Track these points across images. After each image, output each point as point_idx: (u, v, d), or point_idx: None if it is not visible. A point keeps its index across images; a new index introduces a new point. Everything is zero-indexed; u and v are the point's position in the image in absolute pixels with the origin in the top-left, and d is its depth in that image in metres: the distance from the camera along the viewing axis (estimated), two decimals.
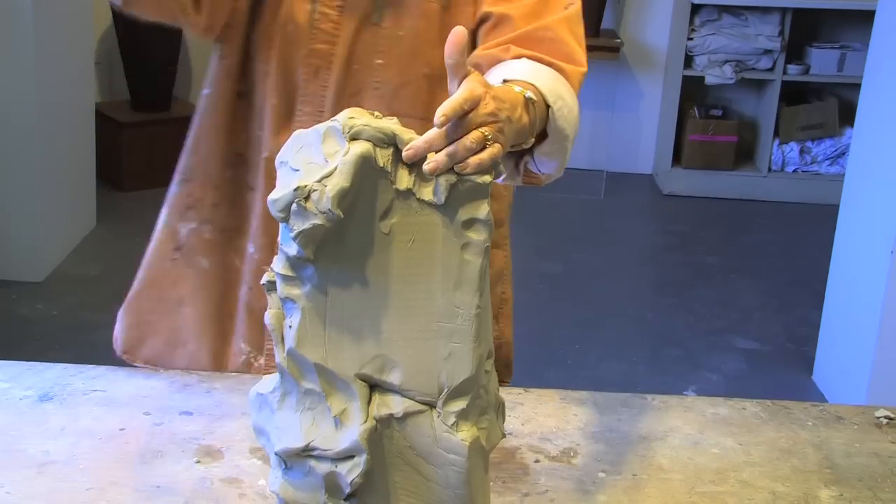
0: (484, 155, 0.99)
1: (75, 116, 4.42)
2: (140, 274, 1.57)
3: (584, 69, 1.38)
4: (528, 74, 1.27)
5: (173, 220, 1.53)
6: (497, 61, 1.33)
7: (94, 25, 4.72)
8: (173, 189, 1.53)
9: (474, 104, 1.01)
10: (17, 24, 3.87)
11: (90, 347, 3.55)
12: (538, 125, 1.23)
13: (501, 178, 1.34)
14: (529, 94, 1.19)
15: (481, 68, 1.34)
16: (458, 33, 1.01)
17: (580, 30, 1.41)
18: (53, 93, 4.12)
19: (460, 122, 1.00)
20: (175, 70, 5.16)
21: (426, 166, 0.97)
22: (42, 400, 1.45)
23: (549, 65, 1.33)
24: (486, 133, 1.00)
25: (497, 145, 1.01)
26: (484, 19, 1.41)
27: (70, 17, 4.28)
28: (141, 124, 5.09)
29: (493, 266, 1.51)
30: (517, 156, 1.31)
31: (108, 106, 5.23)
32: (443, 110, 0.98)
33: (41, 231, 4.12)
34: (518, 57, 1.33)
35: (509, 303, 1.57)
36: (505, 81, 1.23)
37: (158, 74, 5.10)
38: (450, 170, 0.98)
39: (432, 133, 0.99)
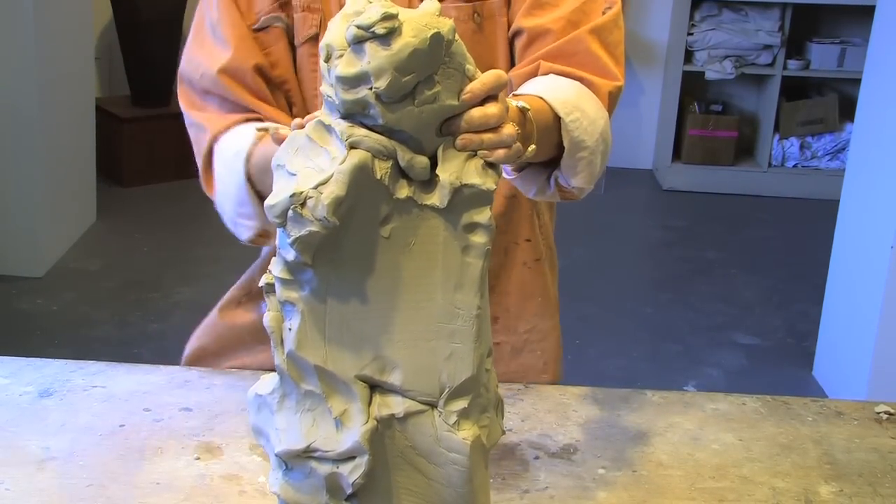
0: (511, 152, 0.99)
1: (75, 112, 4.42)
2: (214, 311, 1.59)
3: (618, 83, 1.35)
4: (541, 88, 1.27)
5: (256, 274, 1.55)
6: (528, 79, 1.32)
7: (94, 21, 4.71)
8: (263, 254, 1.55)
9: (500, 87, 0.99)
10: (17, 20, 3.87)
11: (90, 343, 3.56)
12: (540, 136, 1.21)
13: (533, 193, 1.34)
14: (521, 103, 1.18)
15: (513, 88, 1.34)
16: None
17: (615, 36, 1.38)
18: (54, 88, 4.11)
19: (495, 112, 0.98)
20: (175, 65, 5.15)
21: (459, 141, 0.97)
22: (42, 396, 1.46)
23: (580, 79, 1.32)
24: (517, 129, 1.00)
25: (519, 145, 1.01)
26: (517, 34, 1.38)
27: (70, 12, 4.27)
28: (141, 119, 5.08)
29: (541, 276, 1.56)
30: (548, 170, 1.30)
31: (108, 101, 5.23)
32: (470, 87, 0.96)
33: (41, 226, 4.12)
34: (547, 73, 1.32)
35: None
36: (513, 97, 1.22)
37: (158, 69, 5.10)
38: (459, 170, 0.98)
39: (491, 111, 0.97)
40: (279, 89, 1.41)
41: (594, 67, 1.34)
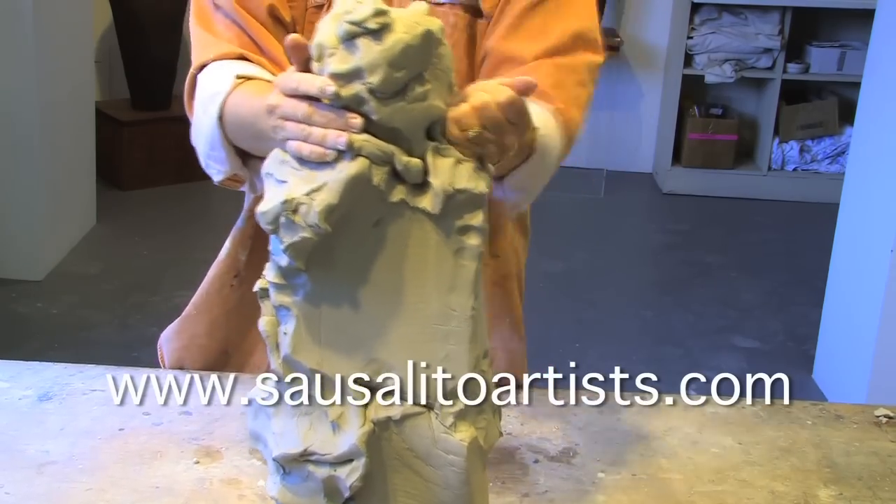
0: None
1: (75, 115, 4.41)
2: (194, 300, 1.57)
3: (569, 119, 1.33)
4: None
5: (236, 251, 1.54)
6: None
7: (94, 24, 4.72)
8: (239, 224, 1.54)
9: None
10: (17, 24, 3.87)
11: (90, 346, 3.56)
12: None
13: None
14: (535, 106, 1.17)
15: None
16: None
17: (569, 79, 1.36)
18: (54, 91, 4.11)
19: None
20: (175, 68, 5.16)
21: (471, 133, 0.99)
22: (41, 400, 1.45)
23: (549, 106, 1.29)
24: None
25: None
26: (486, 56, 1.37)
27: (70, 15, 4.27)
28: (141, 123, 5.08)
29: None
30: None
31: (108, 105, 5.23)
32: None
33: (41, 230, 4.12)
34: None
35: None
36: None
37: (158, 73, 5.10)
38: (451, 175, 0.98)
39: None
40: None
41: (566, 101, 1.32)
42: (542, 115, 1.26)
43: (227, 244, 1.55)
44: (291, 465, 1.04)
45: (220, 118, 1.25)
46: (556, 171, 1.32)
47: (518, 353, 1.55)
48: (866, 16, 3.94)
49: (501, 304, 1.52)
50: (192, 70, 1.35)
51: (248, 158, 1.30)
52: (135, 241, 4.55)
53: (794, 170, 5.54)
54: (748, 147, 5.65)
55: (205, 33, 1.37)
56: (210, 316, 1.55)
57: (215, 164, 1.31)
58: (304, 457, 1.02)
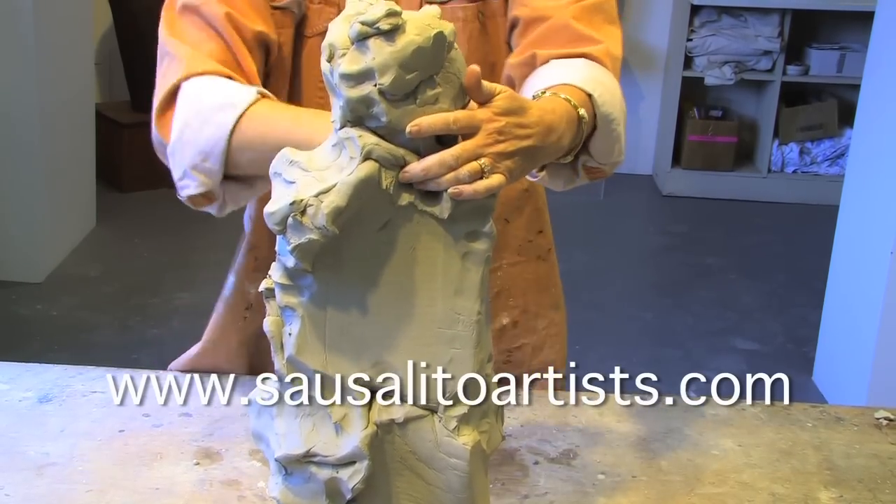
0: (479, 186, 0.98)
1: (75, 117, 4.41)
2: (208, 335, 1.56)
3: (604, 44, 1.33)
4: (560, 75, 1.26)
5: (242, 285, 1.53)
6: (528, 72, 1.32)
7: (95, 26, 4.72)
8: (240, 259, 1.53)
9: (469, 129, 1.00)
10: (17, 25, 3.87)
11: (90, 348, 3.56)
12: (587, 127, 1.22)
13: (562, 186, 1.33)
14: (582, 111, 1.18)
15: (512, 82, 1.33)
16: (473, 72, 1.00)
17: (597, 17, 1.37)
18: (53, 93, 4.11)
19: (458, 152, 0.99)
20: None
21: (414, 183, 0.98)
22: (41, 401, 1.45)
23: (581, 55, 1.31)
24: (484, 165, 0.99)
25: (498, 176, 1.00)
26: (514, 24, 1.38)
27: (70, 17, 4.27)
28: (141, 125, 5.02)
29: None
30: (570, 159, 1.29)
31: (107, 106, 5.23)
32: (418, 120, 0.97)
33: (41, 232, 4.12)
34: (547, 60, 1.31)
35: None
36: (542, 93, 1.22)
37: None
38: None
39: (431, 160, 0.98)
40: (268, 66, 1.38)
41: (577, 39, 1.33)
42: (589, 72, 1.27)
43: (232, 279, 1.53)
44: (294, 466, 1.04)
45: (235, 131, 1.22)
46: (625, 104, 1.31)
47: (562, 323, 1.59)
48: (866, 18, 3.94)
49: (546, 277, 1.57)
50: (173, 82, 1.30)
51: (225, 181, 1.27)
52: (135, 242, 4.55)
53: (794, 172, 5.54)
54: (748, 149, 5.65)
55: (183, 45, 1.33)
56: (228, 347, 1.55)
57: (199, 176, 1.27)
58: (307, 458, 1.02)
